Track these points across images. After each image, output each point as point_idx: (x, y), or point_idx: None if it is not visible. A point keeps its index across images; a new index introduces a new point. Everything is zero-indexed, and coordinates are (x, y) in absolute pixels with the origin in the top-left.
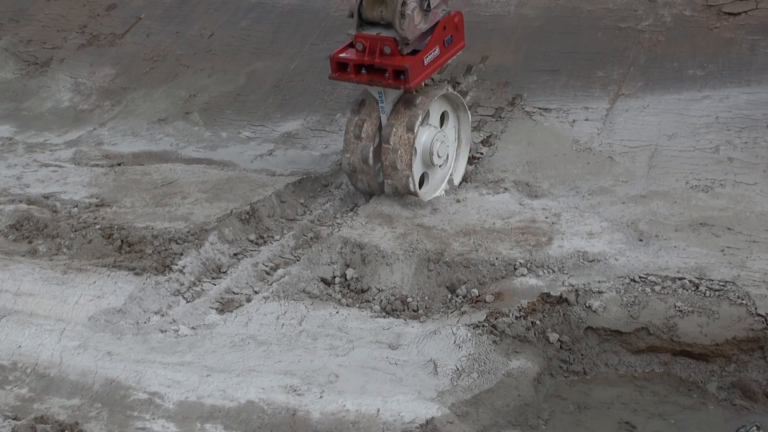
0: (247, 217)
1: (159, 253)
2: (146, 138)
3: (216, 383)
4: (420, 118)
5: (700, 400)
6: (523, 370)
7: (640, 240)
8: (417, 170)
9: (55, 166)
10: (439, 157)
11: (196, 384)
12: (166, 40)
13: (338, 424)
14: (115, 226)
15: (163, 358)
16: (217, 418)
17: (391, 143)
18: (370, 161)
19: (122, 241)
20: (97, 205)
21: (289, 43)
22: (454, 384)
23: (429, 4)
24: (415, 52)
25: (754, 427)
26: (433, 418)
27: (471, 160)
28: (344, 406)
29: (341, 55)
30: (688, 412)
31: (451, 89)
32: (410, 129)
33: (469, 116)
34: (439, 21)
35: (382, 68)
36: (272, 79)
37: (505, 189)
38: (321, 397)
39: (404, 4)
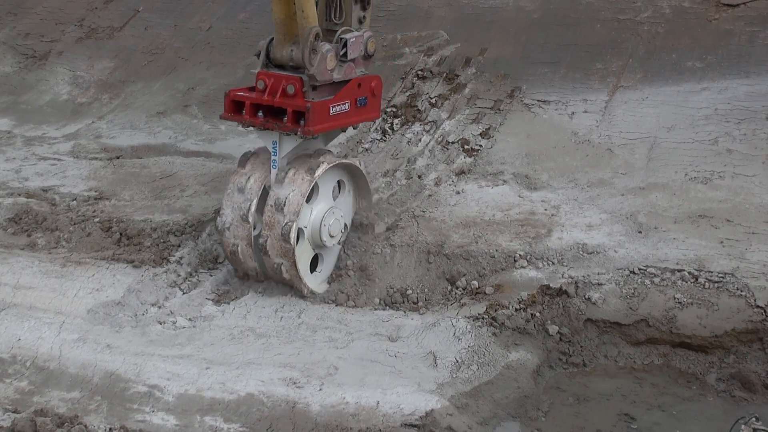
0: None
1: (157, 245)
2: (145, 131)
3: (215, 376)
4: (323, 166)
5: (700, 391)
6: (522, 362)
7: (640, 232)
8: (305, 254)
9: (54, 159)
10: (331, 236)
11: (195, 377)
12: (165, 33)
13: (338, 417)
14: (114, 219)
15: (162, 351)
16: (217, 411)
17: (270, 253)
18: (250, 218)
19: (121, 234)
20: (95, 198)
21: None
22: (454, 376)
23: (346, 53)
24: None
25: (753, 418)
26: (432, 410)
27: (470, 152)
28: (344, 398)
29: (238, 93)
30: (688, 403)
31: (341, 160)
32: (312, 170)
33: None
34: (354, 77)
35: (281, 110)
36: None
37: (505, 181)
38: (320, 389)
39: (317, 38)
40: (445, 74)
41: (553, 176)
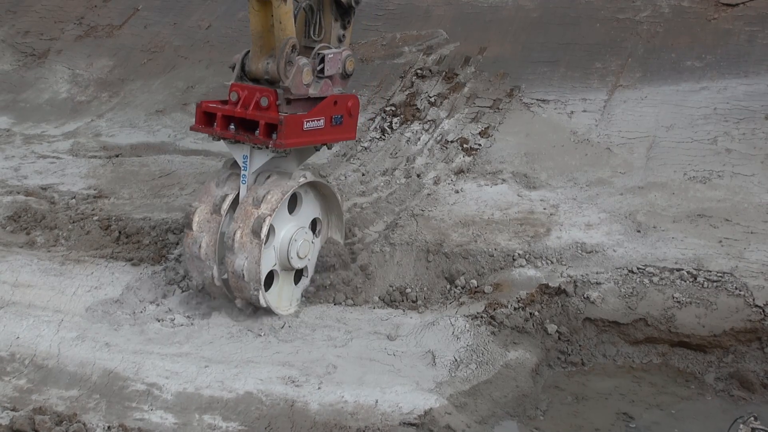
0: None
1: (156, 243)
2: (144, 129)
3: (214, 374)
4: (266, 224)
5: (698, 390)
6: (521, 361)
7: (638, 231)
8: (268, 263)
9: (53, 157)
10: (300, 258)
11: (194, 375)
12: (164, 32)
13: (337, 415)
14: (113, 217)
15: (160, 349)
16: (216, 410)
17: (235, 249)
18: (219, 281)
19: (120, 232)
20: (95, 197)
21: None
22: (453, 375)
23: (323, 69)
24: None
25: (752, 418)
26: (431, 408)
27: (469, 151)
28: (342, 397)
29: (210, 104)
30: (686, 402)
31: (313, 177)
32: (256, 233)
33: (343, 216)
34: (331, 95)
35: (253, 123)
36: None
37: (504, 180)
38: (319, 388)
39: (294, 50)
40: (444, 73)
41: (552, 175)
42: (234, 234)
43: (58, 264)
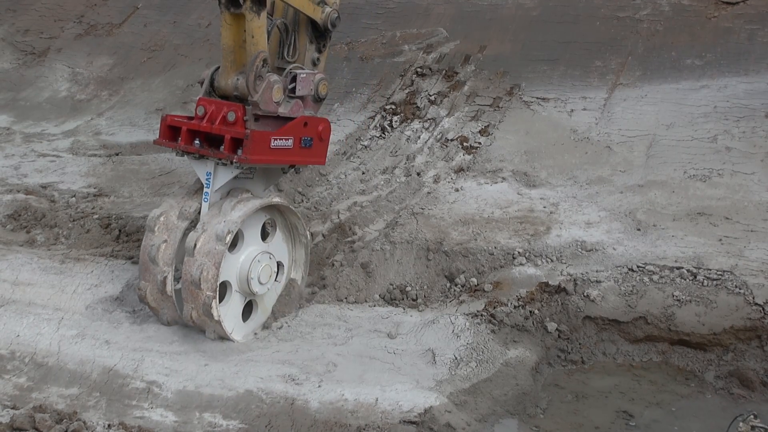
0: None
1: None
2: (144, 128)
3: (214, 372)
4: (234, 229)
5: (698, 389)
6: (521, 360)
7: (638, 229)
8: (234, 307)
9: (53, 155)
10: (261, 283)
11: (194, 373)
12: (164, 30)
13: (337, 413)
14: (113, 216)
15: (160, 347)
16: (216, 408)
17: (196, 254)
18: (168, 286)
19: (120, 231)
20: (95, 195)
21: None
22: (453, 373)
23: (295, 89)
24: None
25: (752, 416)
26: (431, 407)
27: (469, 149)
28: (343, 395)
29: (176, 118)
30: (686, 400)
31: (277, 199)
32: (220, 239)
33: (307, 235)
34: (301, 116)
35: (219, 139)
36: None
37: (503, 178)
38: (319, 386)
39: (264, 64)
40: (444, 71)
41: (552, 174)
42: (197, 238)
43: (58, 262)
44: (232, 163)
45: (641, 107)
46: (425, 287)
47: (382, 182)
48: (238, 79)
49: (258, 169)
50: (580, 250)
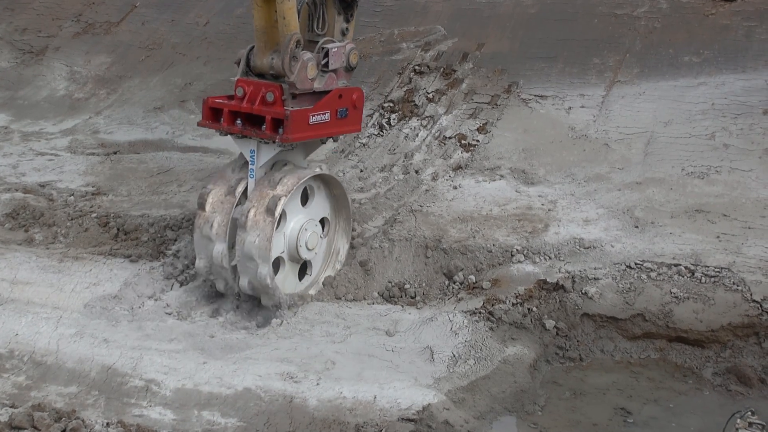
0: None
1: (154, 240)
2: (142, 126)
3: (212, 370)
4: (280, 205)
5: (696, 385)
6: (519, 357)
7: (636, 227)
8: (289, 276)
9: (51, 154)
10: (308, 249)
11: (192, 371)
12: (162, 28)
13: (335, 411)
14: (111, 215)
15: (159, 345)
16: (214, 406)
17: (247, 228)
18: (224, 260)
19: (118, 229)
20: (93, 194)
21: None
22: (451, 371)
23: (328, 63)
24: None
25: (749, 412)
26: (429, 404)
27: (467, 147)
28: (341, 393)
29: (217, 100)
30: (684, 397)
31: (326, 170)
32: (270, 211)
33: (351, 214)
34: (336, 88)
35: (259, 118)
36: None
37: (502, 176)
38: (318, 384)
39: (298, 45)
40: (442, 69)
41: (550, 171)
42: (248, 212)
43: (56, 261)
44: (274, 142)
45: (639, 104)
46: (424, 285)
47: (381, 180)
48: (272, 58)
49: (298, 143)
50: (578, 247)
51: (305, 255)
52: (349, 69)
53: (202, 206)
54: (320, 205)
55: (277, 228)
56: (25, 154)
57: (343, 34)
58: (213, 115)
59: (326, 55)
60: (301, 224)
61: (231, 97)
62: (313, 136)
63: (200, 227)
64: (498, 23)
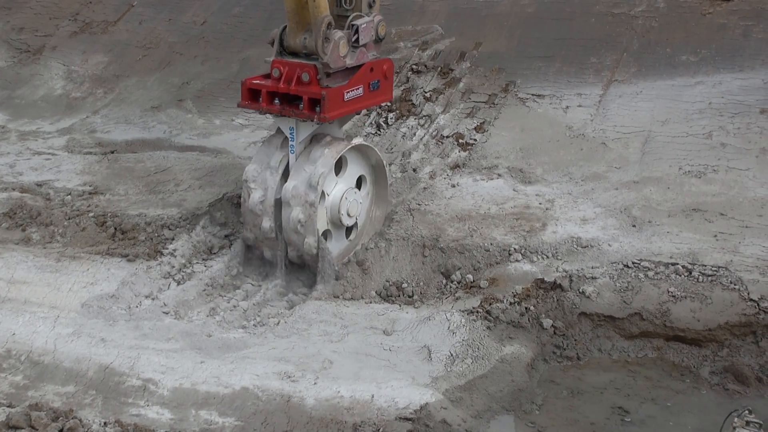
0: (240, 200)
1: (152, 239)
2: (139, 126)
3: (210, 370)
4: (326, 173)
5: (693, 384)
6: (517, 356)
7: (634, 226)
8: (322, 225)
9: (48, 154)
10: (349, 216)
11: (190, 370)
12: (159, 28)
13: (333, 410)
14: (109, 214)
15: (156, 345)
16: (212, 405)
17: (292, 204)
18: (272, 233)
19: (116, 229)
20: (90, 193)
21: None
22: (448, 370)
23: (358, 39)
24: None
25: (746, 411)
26: (427, 403)
27: (465, 146)
28: (339, 392)
29: (255, 81)
30: (681, 396)
31: (357, 141)
32: (312, 187)
33: (388, 182)
34: (366, 62)
35: (297, 98)
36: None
37: (499, 175)
38: (315, 383)
39: (329, 27)
40: (439, 68)
41: (547, 170)
42: (291, 188)
43: (53, 260)
44: (312, 120)
45: (636, 104)
46: (421, 284)
47: None
48: (305, 38)
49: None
50: (575, 246)
51: (347, 222)
52: (378, 41)
53: (247, 181)
54: (357, 174)
55: (320, 200)
56: (22, 154)
57: (370, 6)
58: (251, 96)
59: (356, 31)
60: (342, 193)
61: (267, 76)
62: (349, 112)
63: (246, 201)
64: (495, 22)
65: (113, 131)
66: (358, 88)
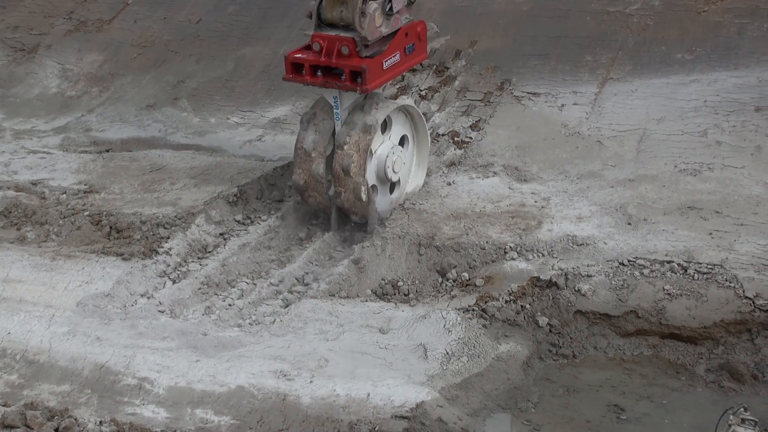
0: (235, 199)
1: (147, 238)
2: (134, 124)
3: (206, 368)
4: (378, 123)
5: (689, 382)
6: (512, 354)
7: (629, 224)
8: (370, 179)
9: (43, 152)
10: (394, 172)
11: (185, 369)
12: (154, 26)
13: (328, 409)
14: (104, 213)
15: (151, 343)
16: (208, 404)
17: (345, 148)
18: (321, 177)
19: (111, 228)
20: (85, 192)
21: (278, 28)
22: (444, 368)
23: (391, 7)
24: (374, 55)
25: (742, 409)
26: (423, 402)
27: (460, 144)
28: (334, 390)
29: (297, 55)
30: (677, 394)
31: (412, 102)
32: (367, 131)
33: (429, 140)
34: (401, 27)
35: (338, 70)
36: (260, 64)
37: (495, 173)
38: (311, 381)
39: (365, 2)
40: (435, 67)
41: (543, 168)
42: (346, 134)
43: (48, 259)
44: (355, 91)
45: (632, 102)
46: (417, 282)
47: None
48: (341, 10)
49: None
50: (571, 244)
51: (392, 177)
52: (410, 4)
53: (303, 124)
54: (401, 134)
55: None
56: (17, 152)
57: None
58: (294, 69)
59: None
60: (388, 150)
61: (307, 48)
62: (389, 79)
63: (301, 142)
64: (491, 21)
65: (108, 130)
66: (395, 55)
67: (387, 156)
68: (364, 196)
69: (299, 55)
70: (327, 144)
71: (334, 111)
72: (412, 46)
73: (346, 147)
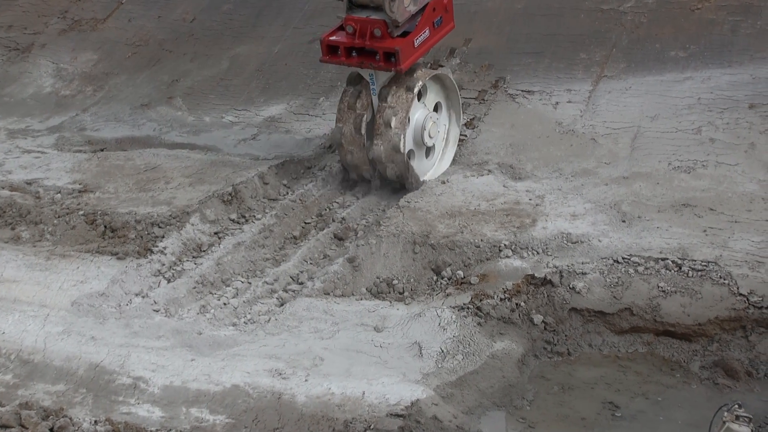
0: (230, 198)
1: (142, 237)
2: (129, 123)
3: (200, 367)
4: (419, 84)
5: (683, 379)
6: (507, 352)
7: (623, 221)
8: (408, 140)
9: (38, 152)
10: (430, 137)
11: (180, 368)
12: (149, 25)
13: (324, 407)
14: (99, 212)
15: (146, 343)
16: (203, 403)
17: (389, 100)
18: (363, 130)
19: (105, 227)
20: (80, 191)
21: (272, 27)
22: (439, 366)
23: None
24: (405, 33)
25: (736, 405)
26: (418, 400)
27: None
28: (329, 389)
29: (332, 38)
30: (671, 391)
31: (450, 74)
32: (410, 89)
33: (461, 114)
34: (428, 3)
35: (372, 51)
36: (255, 63)
37: (489, 171)
38: (306, 380)
39: None
40: (429, 64)
41: (537, 166)
42: (390, 90)
43: (43, 259)
44: (389, 70)
45: (626, 99)
46: (412, 280)
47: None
48: None
49: None
50: (565, 242)
51: (428, 142)
52: None
53: (352, 82)
54: (435, 100)
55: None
56: (11, 152)
57: None
58: (330, 51)
59: None
60: (424, 117)
61: (340, 28)
62: (421, 55)
63: (346, 98)
64: (485, 18)
65: (103, 129)
66: (425, 31)
67: (423, 121)
68: (402, 147)
69: (334, 38)
70: (368, 105)
71: (371, 87)
72: (440, 20)
73: (389, 99)
